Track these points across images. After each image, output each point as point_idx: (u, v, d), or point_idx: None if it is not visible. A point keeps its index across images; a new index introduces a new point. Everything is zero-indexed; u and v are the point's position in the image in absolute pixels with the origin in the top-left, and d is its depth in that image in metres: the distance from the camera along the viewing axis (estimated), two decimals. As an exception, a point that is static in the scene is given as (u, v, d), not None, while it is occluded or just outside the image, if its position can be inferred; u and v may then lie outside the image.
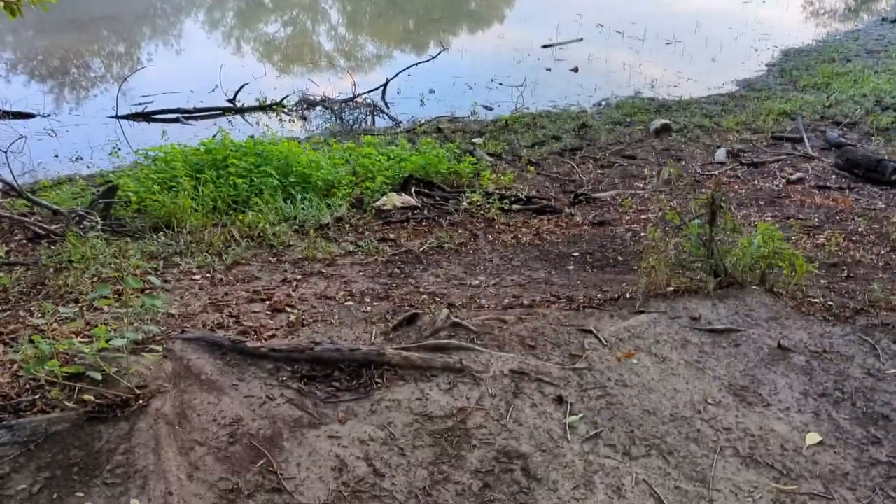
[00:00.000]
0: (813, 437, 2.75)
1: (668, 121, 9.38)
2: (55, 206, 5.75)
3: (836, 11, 16.20)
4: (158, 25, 14.24)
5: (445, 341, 3.36)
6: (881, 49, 12.59)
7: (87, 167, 7.99)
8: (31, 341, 2.78)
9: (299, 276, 4.60)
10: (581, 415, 2.87)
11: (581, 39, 13.21)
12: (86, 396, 2.69)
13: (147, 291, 3.97)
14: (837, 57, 12.17)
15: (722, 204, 4.02)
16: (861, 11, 16.15)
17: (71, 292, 4.06)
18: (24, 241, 5.19)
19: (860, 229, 5.61)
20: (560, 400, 2.96)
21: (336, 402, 2.91)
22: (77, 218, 5.31)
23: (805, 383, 3.11)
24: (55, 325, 3.44)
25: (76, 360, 2.90)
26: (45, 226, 5.31)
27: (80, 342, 2.94)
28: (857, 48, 12.74)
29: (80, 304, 3.84)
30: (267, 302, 4.08)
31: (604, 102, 10.65)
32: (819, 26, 14.71)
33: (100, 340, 2.78)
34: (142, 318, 3.56)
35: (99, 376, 2.69)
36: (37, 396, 2.81)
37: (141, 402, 2.75)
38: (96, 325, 3.12)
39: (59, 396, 2.73)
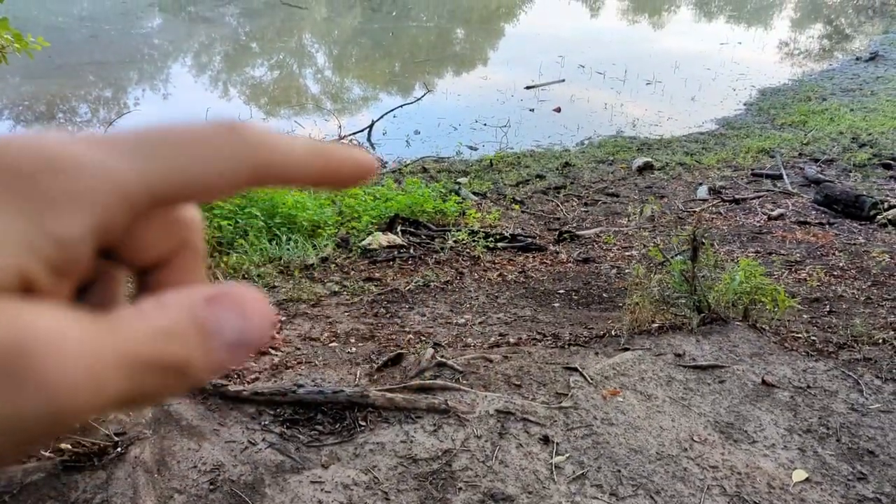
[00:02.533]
0: (799, 475, 2.74)
1: (650, 159, 9.51)
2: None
3: (811, 51, 16.61)
4: (146, 70, 14.37)
5: (430, 381, 3.34)
6: (856, 88, 12.89)
7: (72, 211, 7.96)
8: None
9: (283, 318, 4.58)
10: (567, 455, 2.85)
11: (563, 80, 13.45)
12: (63, 445, 2.64)
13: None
14: (813, 95, 12.44)
15: (703, 240, 4.07)
16: (835, 51, 16.56)
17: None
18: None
19: (841, 264, 5.67)
20: (546, 440, 2.94)
21: (319, 446, 2.87)
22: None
23: (790, 419, 3.11)
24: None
25: (54, 406, 2.85)
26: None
27: (59, 388, 2.89)
28: (832, 87, 13.04)
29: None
30: (250, 344, 4.04)
31: (586, 141, 10.80)
32: (794, 66, 15.05)
33: (78, 386, 2.74)
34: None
35: (76, 424, 2.64)
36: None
37: (119, 449, 2.70)
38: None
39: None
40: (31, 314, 0.19)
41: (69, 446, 2.65)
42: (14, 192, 0.21)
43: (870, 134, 10.00)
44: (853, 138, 9.95)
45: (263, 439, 2.90)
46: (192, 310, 0.23)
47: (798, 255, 5.99)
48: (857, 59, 14.97)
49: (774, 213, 7.38)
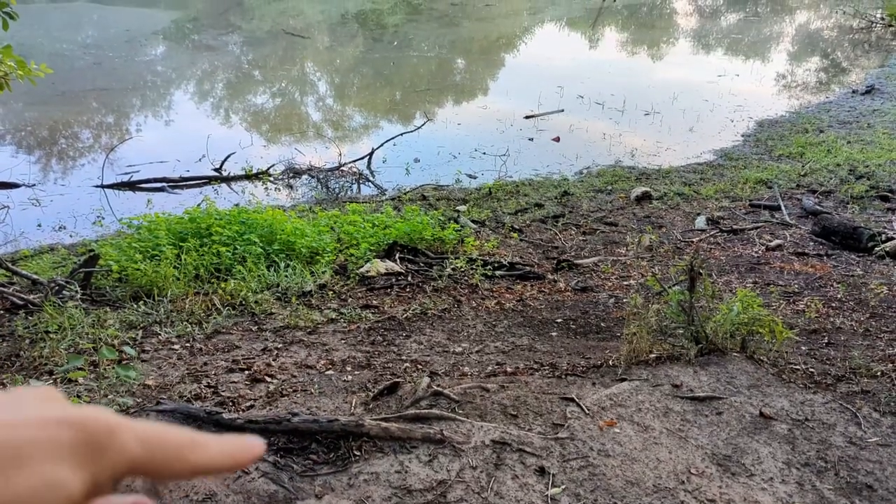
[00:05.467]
0: (798, 508, 2.71)
1: (648, 189, 9.55)
2: (34, 276, 5.71)
3: (808, 84, 16.78)
4: (148, 97, 14.49)
5: (426, 411, 3.32)
6: (853, 120, 13.00)
7: (70, 236, 7.97)
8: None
9: (280, 345, 4.56)
10: (563, 486, 2.82)
11: (562, 110, 13.56)
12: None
13: (124, 362, 3.91)
14: (811, 127, 12.53)
15: (701, 271, 4.07)
16: (832, 84, 16.72)
17: (46, 364, 3.99)
18: (2, 312, 5.13)
19: (839, 296, 5.67)
20: (542, 471, 2.91)
21: (313, 476, 2.84)
22: (56, 287, 5.27)
23: (788, 452, 3.09)
24: (27, 397, 3.36)
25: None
26: (23, 296, 5.26)
27: (52, 415, 2.87)
28: (829, 119, 13.14)
29: (54, 376, 3.77)
30: (246, 371, 4.03)
31: (585, 171, 10.85)
32: (792, 98, 15.18)
33: (71, 413, 2.72)
34: (116, 389, 3.50)
35: None
36: (3, 472, 2.73)
37: (111, 477, 2.68)
38: (69, 399, 3.05)
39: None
40: None
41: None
42: (88, 453, 0.37)
43: (867, 166, 10.06)
44: (850, 170, 10.01)
45: (257, 468, 2.87)
46: None
47: (796, 286, 5.99)
48: (854, 92, 15.11)
49: (772, 244, 7.39)
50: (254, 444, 0.44)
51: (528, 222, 8.58)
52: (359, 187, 10.19)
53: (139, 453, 0.39)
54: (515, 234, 7.95)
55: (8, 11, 3.90)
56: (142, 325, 4.80)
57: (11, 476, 0.35)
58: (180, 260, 5.78)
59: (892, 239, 6.98)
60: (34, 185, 9.52)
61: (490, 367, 4.21)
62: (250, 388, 3.78)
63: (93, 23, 22.28)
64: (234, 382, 3.84)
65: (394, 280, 6.20)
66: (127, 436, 0.39)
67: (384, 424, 3.15)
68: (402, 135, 11.82)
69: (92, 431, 0.38)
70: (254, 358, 4.27)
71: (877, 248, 6.84)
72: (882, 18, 22.96)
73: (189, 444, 0.41)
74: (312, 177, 10.36)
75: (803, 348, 4.41)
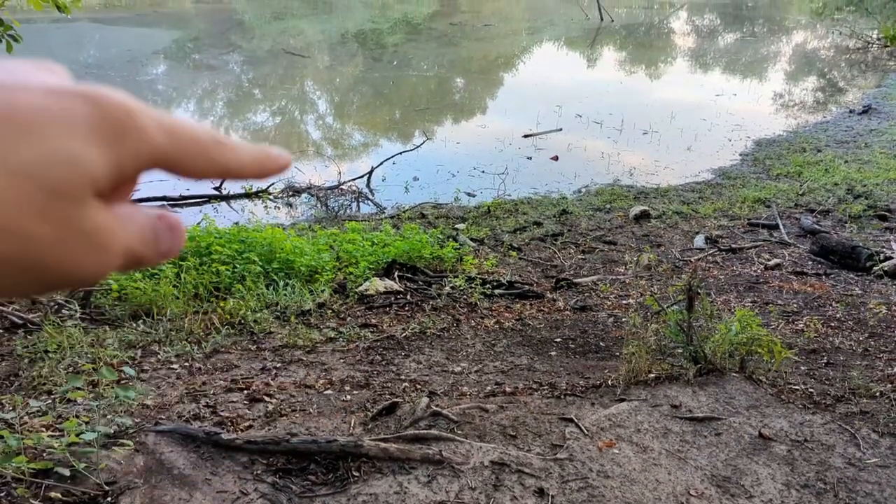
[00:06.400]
0: (798, 531, 2.70)
1: (646, 208, 9.59)
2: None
3: (806, 104, 16.89)
4: (149, 115, 14.56)
5: (425, 431, 3.32)
6: (850, 140, 13.07)
7: (70, 254, 7.97)
8: (0, 436, 2.72)
9: (279, 364, 4.56)
10: (562, 508, 2.81)
11: (560, 129, 13.64)
12: (52, 494, 2.61)
13: (123, 382, 3.91)
14: (808, 147, 12.60)
15: (699, 290, 4.08)
16: (829, 104, 16.83)
17: (45, 384, 3.98)
18: (1, 331, 5.12)
19: (838, 315, 5.67)
20: (541, 492, 2.91)
21: (312, 497, 2.83)
22: (56, 306, 5.27)
23: (787, 473, 3.08)
24: (25, 418, 3.36)
25: (45, 455, 2.83)
26: (22, 315, 5.26)
27: (50, 436, 2.87)
28: (826, 139, 13.22)
29: (52, 396, 3.76)
30: (245, 391, 4.02)
31: (584, 190, 10.90)
32: (789, 118, 15.27)
33: (70, 434, 2.73)
34: (115, 409, 3.50)
35: (67, 472, 2.62)
36: (2, 494, 2.72)
37: (109, 499, 2.67)
38: (68, 419, 3.05)
39: (25, 494, 2.65)
40: (105, 216, 0.33)
41: (59, 495, 2.61)
42: (107, 133, 0.32)
43: (865, 185, 10.11)
44: (848, 189, 10.05)
45: (256, 489, 2.86)
46: (151, 225, 0.37)
47: (795, 305, 6.00)
48: (851, 111, 15.21)
49: (771, 263, 7.41)
50: (281, 155, 0.42)
51: (526, 241, 8.60)
52: (358, 206, 10.23)
53: (163, 142, 0.35)
54: (514, 253, 7.97)
55: (13, 34, 3.94)
56: (141, 345, 4.79)
57: (21, 142, 0.30)
58: (180, 279, 5.79)
59: (890, 258, 7.00)
60: (34, 203, 9.53)
61: (489, 387, 4.21)
62: (249, 408, 3.77)
63: (95, 42, 22.47)
64: (233, 402, 3.83)
65: (393, 299, 6.21)
66: (148, 120, 0.34)
67: (383, 445, 3.15)
68: (401, 153, 11.88)
69: (110, 108, 0.32)
70: (253, 377, 4.27)
71: (875, 268, 6.86)
72: (878, 39, 23.17)
73: (215, 142, 0.37)
74: (312, 195, 10.40)
75: (802, 368, 4.41)
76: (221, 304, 5.53)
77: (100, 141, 0.32)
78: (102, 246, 0.33)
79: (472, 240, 8.39)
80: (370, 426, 3.52)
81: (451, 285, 6.47)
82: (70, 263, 0.32)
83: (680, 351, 4.16)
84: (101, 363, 4.21)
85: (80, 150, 0.31)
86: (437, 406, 3.63)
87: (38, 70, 0.35)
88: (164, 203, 9.65)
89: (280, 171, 0.42)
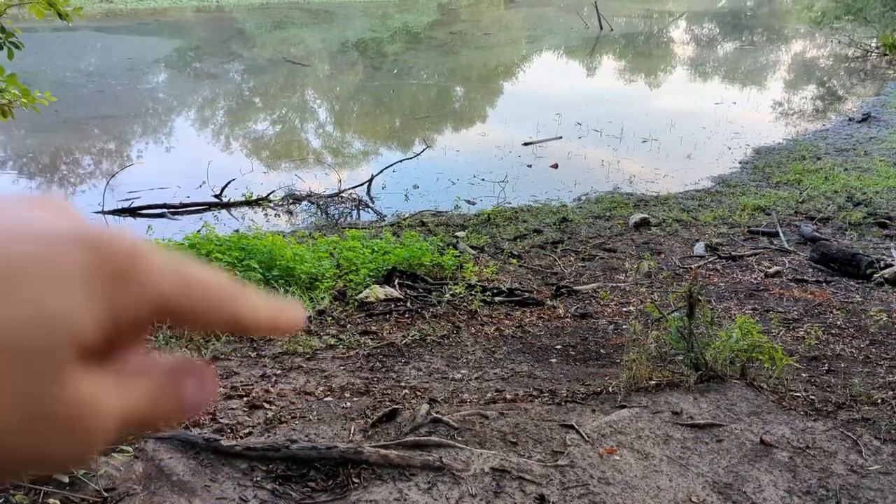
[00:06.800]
0: (800, 537, 2.69)
1: (646, 215, 9.59)
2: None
3: (805, 112, 16.92)
4: (149, 124, 14.60)
5: (425, 438, 3.31)
6: (849, 147, 13.09)
7: (71, 261, 7.97)
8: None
9: (279, 371, 4.55)
10: (563, 515, 2.80)
11: (560, 137, 13.66)
12: (51, 500, 2.60)
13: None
14: (808, 155, 12.62)
15: (700, 297, 4.08)
16: (828, 112, 16.86)
17: (44, 389, 3.97)
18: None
19: (839, 322, 5.67)
20: (542, 499, 2.89)
21: (311, 504, 2.82)
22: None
23: (789, 480, 3.07)
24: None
25: (43, 460, 2.82)
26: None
27: (49, 442, 2.86)
28: (826, 146, 13.24)
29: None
30: (245, 398, 4.01)
31: (584, 197, 10.91)
32: (789, 126, 15.30)
33: (69, 440, 2.71)
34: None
35: (66, 479, 2.61)
36: (1, 501, 2.71)
37: (108, 505, 2.66)
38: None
39: (24, 501, 2.63)
40: (88, 384, 0.28)
41: (58, 502, 2.60)
42: (104, 280, 0.29)
43: (864, 193, 10.12)
44: (848, 197, 10.06)
45: (255, 496, 2.85)
46: (165, 379, 0.32)
47: (795, 312, 5.99)
48: (850, 119, 15.24)
49: (771, 271, 7.41)
50: (297, 313, 0.38)
51: (527, 248, 8.60)
52: (358, 213, 10.23)
53: (170, 289, 0.31)
54: (514, 260, 7.97)
55: (14, 41, 3.96)
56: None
57: None
58: (180, 286, 5.78)
59: (890, 266, 7.00)
60: (34, 211, 9.52)
61: (489, 394, 4.20)
62: (249, 415, 3.76)
63: (96, 51, 22.55)
64: (233, 409, 3.82)
65: (393, 306, 6.20)
66: (156, 265, 0.31)
67: (383, 451, 3.14)
68: (401, 161, 11.90)
69: (112, 253, 0.29)
70: (252, 384, 4.26)
71: (875, 275, 6.85)
72: (877, 47, 23.24)
73: (231, 294, 0.34)
74: (312, 203, 10.41)
75: (803, 375, 4.40)
76: (221, 311, 5.53)
77: (94, 290, 0.28)
78: (78, 428, 0.28)
79: (472, 247, 8.39)
80: (370, 433, 3.51)
81: (451, 293, 6.47)
82: (35, 454, 0.27)
83: (681, 358, 4.15)
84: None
85: (59, 305, 0.27)
86: (437, 413, 3.62)
87: (40, 208, 0.31)
88: (165, 211, 9.66)
89: (294, 330, 0.38)
